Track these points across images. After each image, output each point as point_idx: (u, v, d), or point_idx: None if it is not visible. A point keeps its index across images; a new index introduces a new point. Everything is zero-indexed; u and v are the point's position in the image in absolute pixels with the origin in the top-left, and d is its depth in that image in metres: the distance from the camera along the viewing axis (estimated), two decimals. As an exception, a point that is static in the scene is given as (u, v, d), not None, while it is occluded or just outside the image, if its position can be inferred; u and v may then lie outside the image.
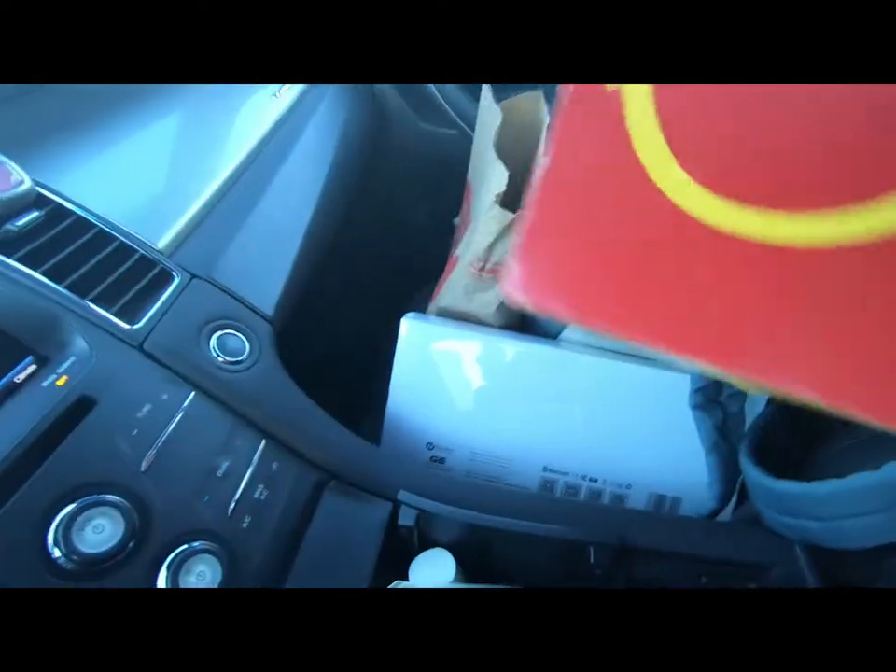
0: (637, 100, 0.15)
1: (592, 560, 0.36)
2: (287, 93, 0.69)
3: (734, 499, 0.47)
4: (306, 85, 0.73)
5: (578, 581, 0.38)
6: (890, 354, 0.11)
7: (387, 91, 0.90)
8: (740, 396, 0.47)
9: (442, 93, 0.89)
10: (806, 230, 0.11)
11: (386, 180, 0.93)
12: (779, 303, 0.12)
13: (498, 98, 0.78)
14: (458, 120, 0.89)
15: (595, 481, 0.50)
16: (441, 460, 0.52)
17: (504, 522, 0.38)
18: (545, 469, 0.51)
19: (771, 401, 0.47)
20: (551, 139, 0.16)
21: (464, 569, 0.39)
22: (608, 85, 0.16)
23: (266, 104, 0.65)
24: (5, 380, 0.31)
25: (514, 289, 0.16)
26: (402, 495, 0.39)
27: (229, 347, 0.40)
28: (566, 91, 0.16)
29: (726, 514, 0.48)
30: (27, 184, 0.36)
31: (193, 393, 0.36)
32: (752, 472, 0.38)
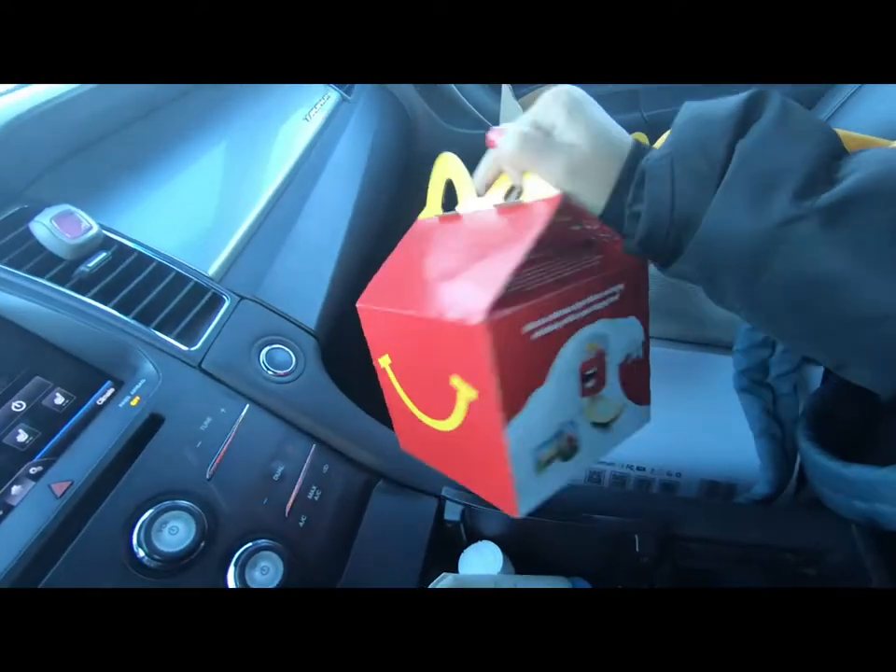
0: (389, 372, 0.29)
1: (637, 549, 0.36)
2: (317, 115, 0.72)
3: (793, 483, 0.45)
4: (335, 104, 0.77)
5: (623, 569, 0.38)
6: (482, 474, 0.26)
7: (411, 97, 0.91)
8: (791, 376, 0.45)
9: (465, 94, 0.90)
10: (443, 424, 0.27)
11: (420, 186, 0.95)
12: (448, 451, 0.28)
13: (518, 94, 0.79)
14: (484, 119, 0.90)
15: (643, 469, 0.50)
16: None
17: (551, 513, 0.39)
18: (591, 460, 0.51)
19: (827, 378, 0.44)
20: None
21: (511, 560, 0.40)
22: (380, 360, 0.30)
23: (298, 127, 0.68)
24: (89, 403, 0.36)
25: None
26: (447, 491, 0.41)
27: (277, 361, 0.43)
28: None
29: (787, 499, 0.46)
30: (95, 229, 0.41)
31: (248, 405, 0.39)
32: (815, 456, 0.37)
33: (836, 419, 0.41)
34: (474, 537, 0.41)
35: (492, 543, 0.40)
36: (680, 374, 0.48)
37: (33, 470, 0.32)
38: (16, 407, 0.34)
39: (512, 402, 0.22)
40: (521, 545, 0.40)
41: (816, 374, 0.45)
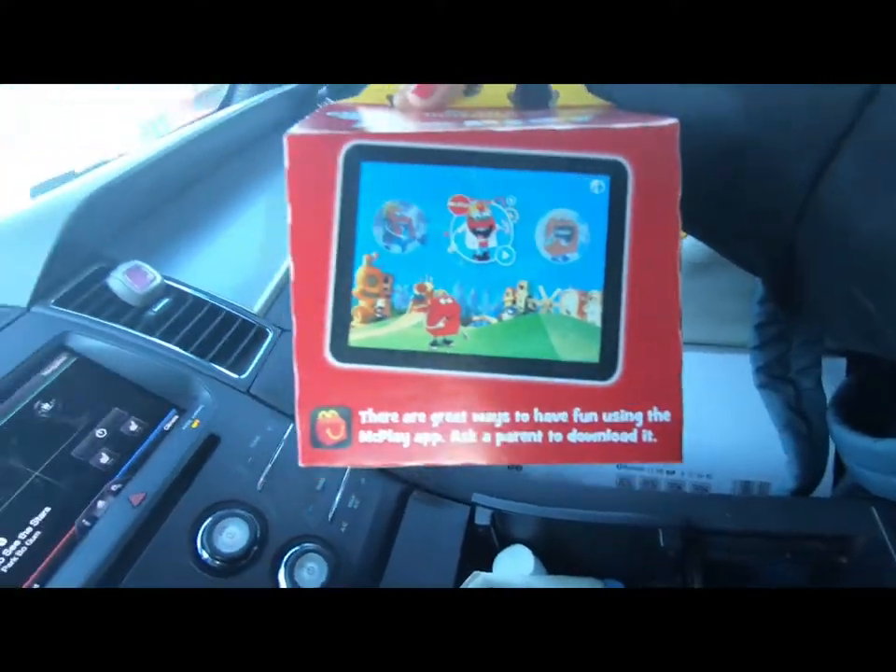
0: None
1: (661, 543, 0.37)
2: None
3: (829, 476, 0.45)
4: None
5: (653, 566, 0.39)
6: None
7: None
8: (813, 370, 0.45)
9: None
10: None
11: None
12: None
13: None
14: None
15: (673, 473, 0.50)
16: (518, 467, 0.55)
17: (573, 513, 0.41)
18: (619, 466, 0.52)
19: (854, 368, 0.44)
20: None
21: (543, 562, 0.42)
22: None
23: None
24: (158, 429, 0.41)
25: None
26: (476, 496, 0.43)
27: (316, 384, 0.48)
28: None
29: (825, 491, 0.46)
30: (158, 280, 0.47)
31: (292, 424, 0.44)
32: (846, 436, 0.37)
33: (867, 403, 0.41)
34: (507, 541, 0.43)
35: (523, 546, 0.42)
36: (701, 376, 0.49)
37: (114, 488, 0.37)
38: (99, 434, 0.39)
39: None
40: (551, 547, 0.42)
41: (839, 367, 0.45)
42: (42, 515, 0.34)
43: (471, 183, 0.17)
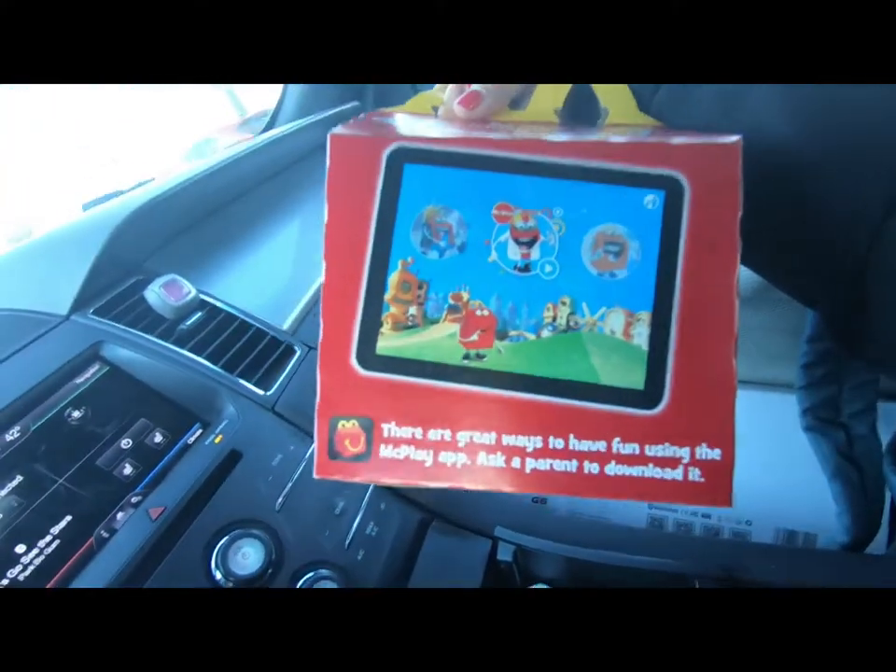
0: None
1: (699, 594, 0.35)
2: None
3: (884, 530, 0.41)
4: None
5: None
6: None
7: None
8: (868, 414, 0.42)
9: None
10: None
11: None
12: None
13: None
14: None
15: (709, 517, 0.47)
16: (543, 500, 0.53)
17: (602, 555, 0.38)
18: (651, 505, 0.49)
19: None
20: None
21: (567, 606, 0.39)
22: None
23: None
24: (181, 442, 0.41)
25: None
26: (499, 531, 0.41)
27: (340, 405, 0.47)
28: None
29: (880, 548, 0.42)
30: (192, 293, 0.48)
31: (314, 444, 0.43)
32: None
33: None
34: (529, 580, 0.41)
35: (547, 587, 0.40)
36: (743, 414, 0.46)
37: (134, 499, 0.37)
38: (124, 445, 0.39)
39: None
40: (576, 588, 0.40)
41: (893, 412, 0.42)
42: (62, 524, 0.34)
43: (517, 191, 0.17)
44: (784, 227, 0.19)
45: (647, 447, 0.16)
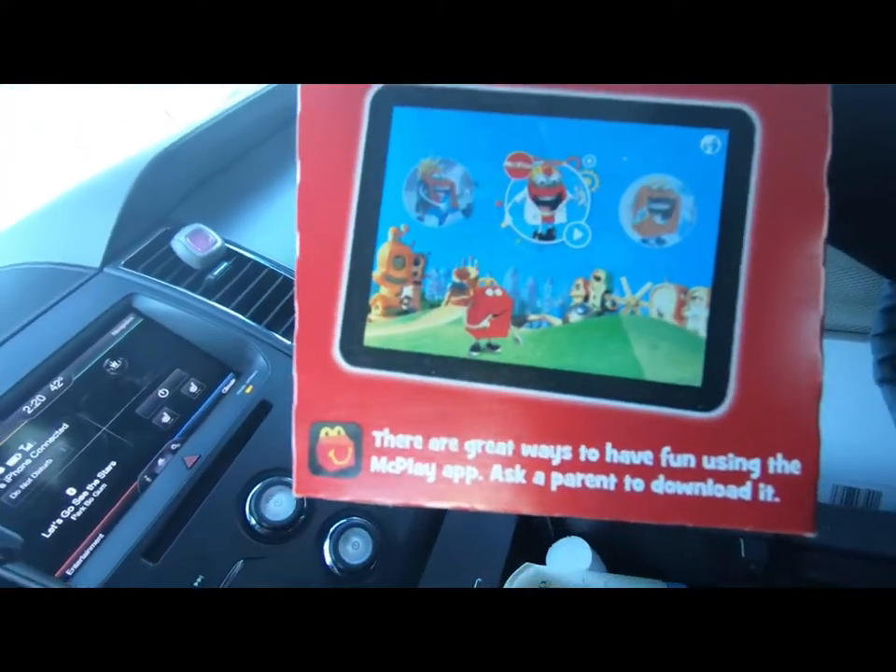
0: None
1: (743, 554, 0.33)
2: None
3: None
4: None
5: (730, 578, 0.34)
6: None
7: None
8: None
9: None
10: None
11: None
12: None
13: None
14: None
15: (759, 471, 0.44)
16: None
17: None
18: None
19: None
20: None
21: (601, 557, 0.38)
22: None
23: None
24: (216, 391, 0.42)
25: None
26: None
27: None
28: None
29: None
30: (219, 243, 0.47)
31: (343, 394, 0.43)
32: None
33: None
34: (563, 532, 0.41)
35: (581, 540, 0.39)
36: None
37: (173, 447, 0.38)
38: (161, 394, 0.40)
39: None
40: (613, 543, 0.39)
41: None
42: (108, 469, 0.36)
43: (537, 137, 0.13)
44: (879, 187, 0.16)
45: (705, 458, 0.13)
